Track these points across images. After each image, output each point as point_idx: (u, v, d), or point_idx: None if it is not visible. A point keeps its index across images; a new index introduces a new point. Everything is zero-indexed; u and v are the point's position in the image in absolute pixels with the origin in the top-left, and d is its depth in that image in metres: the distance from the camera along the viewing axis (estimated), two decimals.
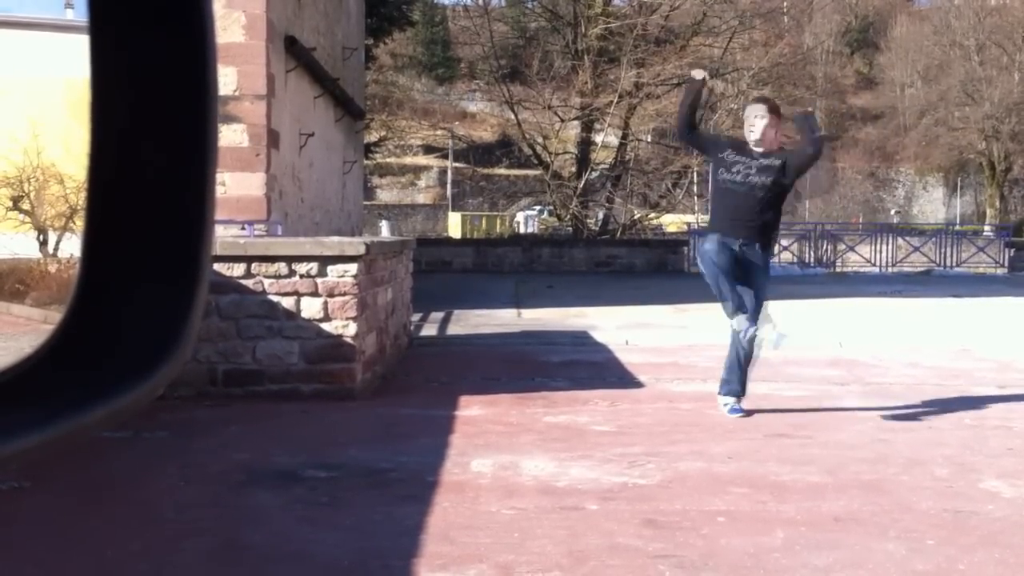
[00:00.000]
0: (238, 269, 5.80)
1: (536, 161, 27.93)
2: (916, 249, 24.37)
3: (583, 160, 27.27)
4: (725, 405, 5.54)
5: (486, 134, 50.72)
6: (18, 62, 16.68)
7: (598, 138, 28.21)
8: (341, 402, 5.70)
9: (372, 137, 30.60)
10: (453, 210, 49.50)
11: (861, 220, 43.73)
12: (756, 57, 29.49)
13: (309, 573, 3.04)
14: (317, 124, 13.51)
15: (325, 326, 5.84)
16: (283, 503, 3.75)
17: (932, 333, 9.75)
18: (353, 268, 5.88)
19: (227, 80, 9.85)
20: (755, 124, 5.47)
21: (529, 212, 44.23)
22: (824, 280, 20.26)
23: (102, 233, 0.60)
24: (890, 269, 23.65)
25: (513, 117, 27.37)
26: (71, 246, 13.58)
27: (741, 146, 5.53)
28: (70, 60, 15.08)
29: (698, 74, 5.78)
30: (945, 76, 51.40)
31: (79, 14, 15.91)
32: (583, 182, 26.38)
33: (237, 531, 3.42)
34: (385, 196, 54.30)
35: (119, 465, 4.28)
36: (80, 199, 12.67)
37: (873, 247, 24.35)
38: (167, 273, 0.60)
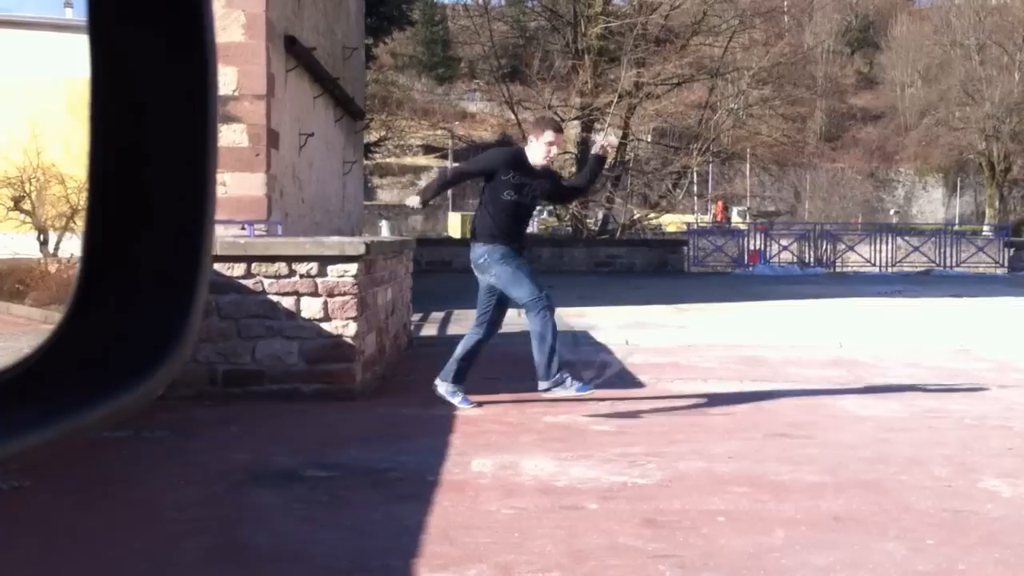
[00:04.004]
0: (238, 269, 5.80)
1: None
2: (916, 249, 24.40)
3: (582, 160, 27.26)
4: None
5: (486, 134, 50.71)
6: (18, 62, 16.68)
7: (598, 138, 28.22)
8: (341, 402, 5.70)
9: (372, 137, 30.61)
10: (453, 210, 49.48)
11: (860, 220, 43.76)
12: (756, 57, 29.50)
13: (309, 573, 3.04)
14: (317, 124, 13.51)
15: (325, 326, 5.84)
16: (283, 503, 3.75)
17: (932, 333, 9.76)
18: (353, 268, 5.88)
19: (227, 80, 9.85)
20: (552, 151, 5.76)
21: None
22: (824, 280, 20.27)
23: (102, 233, 0.60)
24: (890, 269, 23.67)
25: (513, 117, 27.36)
26: (71, 246, 13.59)
27: (523, 165, 5.72)
28: (70, 60, 15.09)
29: (412, 201, 6.16)
30: (945, 76, 51.42)
31: (79, 14, 15.91)
32: None
33: (237, 531, 3.42)
34: (385, 196, 54.29)
35: (119, 465, 4.28)
36: (80, 199, 12.68)
37: (873, 247, 24.37)
38: (167, 273, 0.60)
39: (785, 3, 42.70)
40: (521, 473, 4.21)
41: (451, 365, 5.70)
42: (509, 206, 5.62)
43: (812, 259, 24.01)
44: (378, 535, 3.37)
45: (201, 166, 0.60)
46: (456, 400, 5.64)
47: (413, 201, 6.12)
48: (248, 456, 4.47)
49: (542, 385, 5.60)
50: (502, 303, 5.70)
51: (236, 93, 10.04)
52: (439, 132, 46.60)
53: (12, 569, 3.07)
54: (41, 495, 3.75)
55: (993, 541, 3.33)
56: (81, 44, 0.58)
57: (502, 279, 5.54)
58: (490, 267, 5.57)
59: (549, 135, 5.71)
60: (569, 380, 5.56)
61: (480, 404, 5.66)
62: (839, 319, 11.34)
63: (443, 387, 5.68)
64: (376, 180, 51.95)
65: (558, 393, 5.56)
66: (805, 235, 25.10)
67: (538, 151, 5.69)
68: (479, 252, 5.61)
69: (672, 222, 33.69)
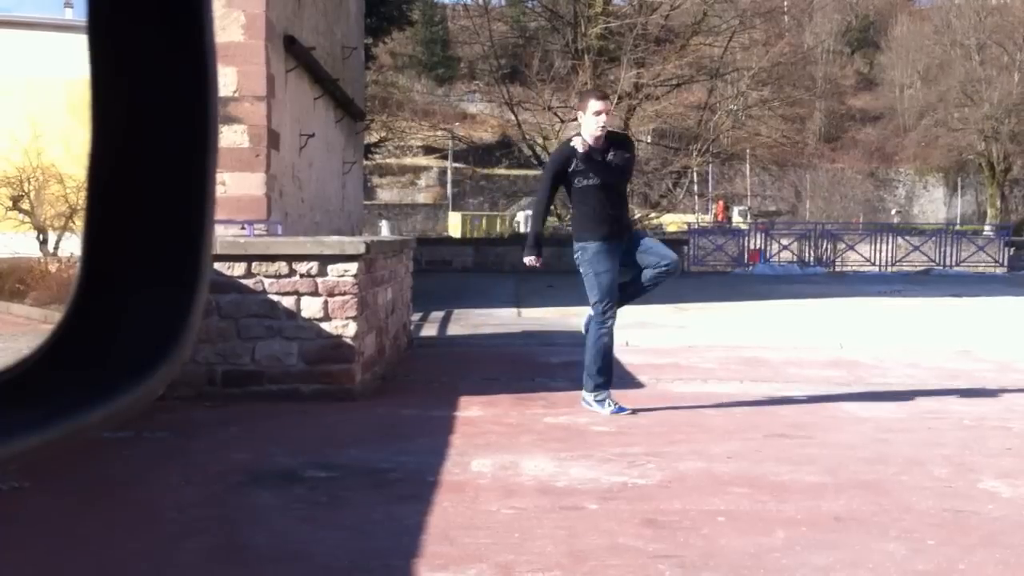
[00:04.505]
0: (238, 269, 5.80)
1: (536, 161, 27.94)
2: (916, 248, 24.39)
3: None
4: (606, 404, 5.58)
5: (486, 134, 50.76)
6: (18, 62, 16.68)
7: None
8: (341, 402, 5.69)
9: (372, 138, 30.60)
10: (453, 210, 49.54)
11: (862, 220, 43.77)
12: (756, 57, 29.52)
13: (309, 573, 3.04)
14: (317, 124, 13.51)
15: (325, 326, 5.83)
16: (283, 503, 3.75)
17: (932, 333, 9.75)
18: (353, 268, 5.88)
19: (227, 80, 9.85)
20: (602, 119, 5.52)
21: (529, 212, 44.22)
22: (824, 280, 20.27)
23: (102, 233, 0.60)
24: (889, 269, 23.67)
25: (513, 118, 27.37)
26: (71, 246, 13.60)
27: (582, 150, 5.56)
28: (70, 60, 15.09)
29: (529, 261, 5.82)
30: (945, 76, 51.39)
31: (79, 14, 15.91)
32: None
33: (237, 531, 3.42)
34: (385, 196, 54.31)
35: (119, 465, 4.28)
36: (80, 199, 12.67)
37: (873, 247, 24.37)
38: (167, 273, 0.60)
39: (785, 3, 42.72)
40: (521, 473, 4.21)
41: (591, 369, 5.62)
42: (590, 191, 5.55)
43: (812, 258, 24.00)
44: (378, 535, 3.37)
45: (201, 166, 0.60)
46: (605, 409, 5.55)
47: (530, 260, 5.81)
48: (248, 456, 4.47)
49: (585, 395, 5.64)
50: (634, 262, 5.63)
51: (236, 94, 10.03)
52: (439, 133, 46.57)
53: (12, 569, 3.07)
54: (41, 495, 3.75)
55: (993, 541, 3.33)
56: (81, 44, 0.58)
57: (586, 277, 5.57)
58: (581, 264, 5.58)
59: (596, 104, 5.55)
60: (608, 402, 5.56)
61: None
62: (839, 319, 11.34)
63: (590, 397, 5.63)
64: (376, 180, 51.94)
65: (594, 408, 5.57)
66: (806, 235, 25.09)
67: (590, 125, 5.55)
68: (576, 247, 5.62)
69: (673, 222, 33.70)
